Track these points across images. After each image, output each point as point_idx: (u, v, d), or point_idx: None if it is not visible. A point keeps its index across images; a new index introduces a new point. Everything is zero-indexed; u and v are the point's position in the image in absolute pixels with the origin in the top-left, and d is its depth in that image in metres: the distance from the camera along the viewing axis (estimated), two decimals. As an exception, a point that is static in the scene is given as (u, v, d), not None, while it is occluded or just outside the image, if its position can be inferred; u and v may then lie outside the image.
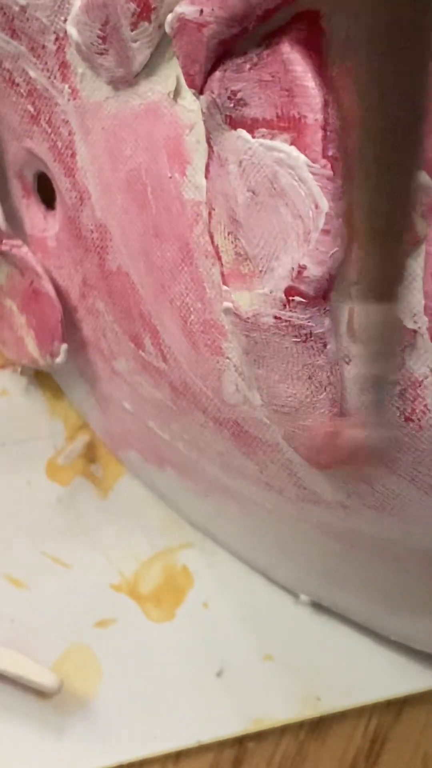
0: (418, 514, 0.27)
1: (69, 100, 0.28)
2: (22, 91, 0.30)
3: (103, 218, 0.29)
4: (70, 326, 0.33)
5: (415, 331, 0.24)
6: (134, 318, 0.30)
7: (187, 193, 0.26)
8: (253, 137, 0.24)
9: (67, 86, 0.28)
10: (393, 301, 0.22)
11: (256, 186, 0.24)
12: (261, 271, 0.25)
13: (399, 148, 0.20)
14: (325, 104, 0.23)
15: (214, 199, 0.25)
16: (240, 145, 0.24)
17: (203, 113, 0.25)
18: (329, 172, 0.23)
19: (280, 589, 0.37)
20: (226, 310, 0.26)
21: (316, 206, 0.23)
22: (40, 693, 0.34)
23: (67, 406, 0.37)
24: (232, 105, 0.24)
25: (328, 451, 0.26)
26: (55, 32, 0.27)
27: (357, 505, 0.28)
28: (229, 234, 0.25)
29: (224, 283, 0.26)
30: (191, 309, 0.27)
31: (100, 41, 0.26)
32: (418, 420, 0.25)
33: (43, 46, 0.28)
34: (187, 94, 0.25)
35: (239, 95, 0.24)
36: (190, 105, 0.25)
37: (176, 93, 0.26)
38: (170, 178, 0.26)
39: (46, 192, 0.32)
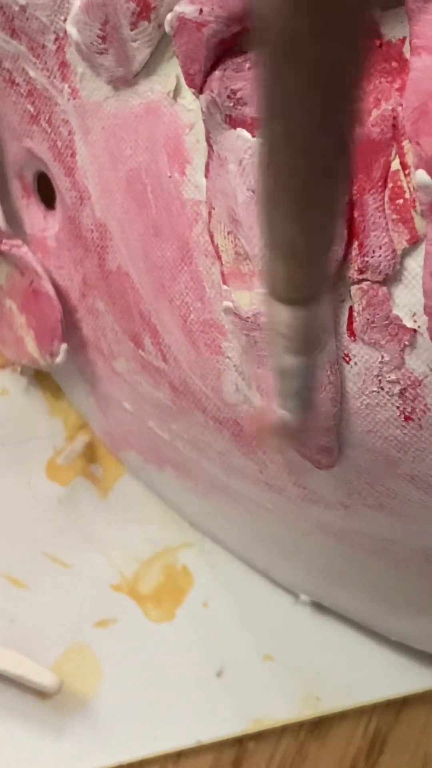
0: (417, 513, 0.27)
1: (69, 99, 0.28)
2: (22, 90, 0.30)
3: (102, 218, 0.29)
4: (70, 326, 0.33)
5: (414, 330, 0.24)
6: (134, 317, 0.30)
7: (187, 193, 0.26)
8: (253, 136, 0.24)
9: (66, 86, 0.28)
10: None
11: (256, 185, 0.24)
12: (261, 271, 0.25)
13: None
14: (325, 103, 0.23)
15: (213, 198, 0.25)
16: (240, 144, 0.24)
17: (203, 112, 0.25)
18: (328, 171, 0.23)
19: (280, 589, 0.37)
20: (226, 310, 0.26)
21: (316, 205, 0.23)
22: (39, 693, 0.34)
23: (67, 406, 0.37)
24: (231, 104, 0.24)
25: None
26: (54, 32, 0.27)
27: (357, 505, 0.28)
28: (228, 233, 0.25)
29: (224, 282, 0.26)
30: (191, 308, 0.27)
31: (99, 41, 0.26)
32: (418, 419, 0.25)
33: (43, 46, 0.28)
34: (187, 93, 0.25)
35: (239, 94, 0.24)
36: (190, 104, 0.25)
37: (176, 92, 0.26)
38: (170, 177, 0.26)
39: (46, 192, 0.32)
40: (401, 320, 0.24)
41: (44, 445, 0.37)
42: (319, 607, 0.36)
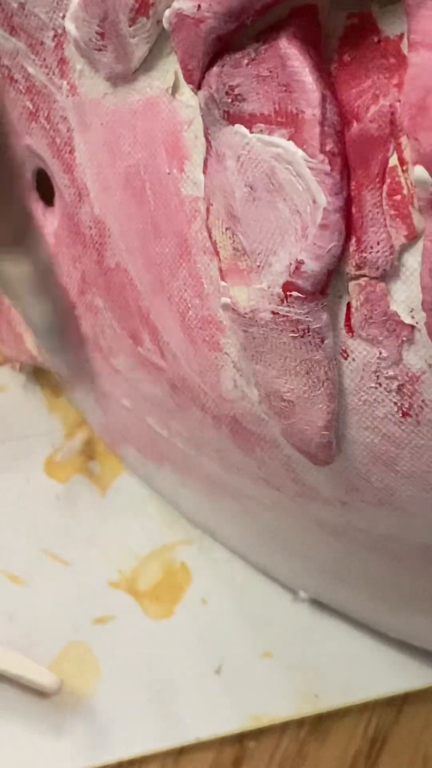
0: (416, 510, 0.27)
1: (67, 96, 0.28)
2: (20, 87, 0.30)
3: (101, 214, 0.29)
4: (68, 323, 0.33)
5: (413, 326, 0.24)
6: (133, 314, 0.30)
7: (186, 189, 0.26)
8: (251, 132, 0.24)
9: (65, 82, 0.28)
10: None
11: (254, 181, 0.24)
12: (259, 267, 0.25)
13: None
14: (323, 99, 0.23)
15: (212, 194, 0.25)
16: (238, 141, 0.24)
17: (201, 108, 0.25)
18: (327, 167, 0.23)
19: (279, 585, 0.37)
20: (224, 306, 0.26)
21: (314, 201, 0.23)
22: (38, 691, 0.34)
23: (65, 403, 0.37)
24: (229, 100, 0.24)
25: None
26: (53, 28, 0.27)
27: (355, 501, 0.28)
28: (227, 229, 0.25)
29: (222, 278, 0.26)
30: (189, 305, 0.27)
31: (98, 37, 0.26)
32: (416, 415, 0.25)
33: (42, 43, 0.28)
34: (186, 89, 0.25)
35: (237, 90, 0.24)
36: (189, 100, 0.25)
37: (174, 88, 0.26)
38: (168, 174, 0.26)
39: (44, 189, 0.32)
40: (399, 316, 0.24)
41: (43, 442, 0.37)
42: (318, 604, 0.36)
